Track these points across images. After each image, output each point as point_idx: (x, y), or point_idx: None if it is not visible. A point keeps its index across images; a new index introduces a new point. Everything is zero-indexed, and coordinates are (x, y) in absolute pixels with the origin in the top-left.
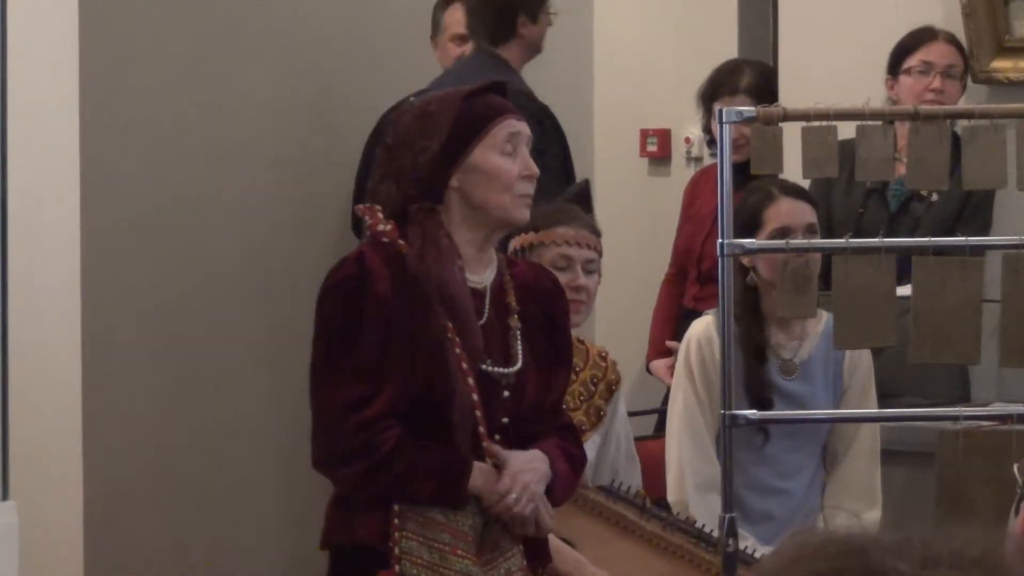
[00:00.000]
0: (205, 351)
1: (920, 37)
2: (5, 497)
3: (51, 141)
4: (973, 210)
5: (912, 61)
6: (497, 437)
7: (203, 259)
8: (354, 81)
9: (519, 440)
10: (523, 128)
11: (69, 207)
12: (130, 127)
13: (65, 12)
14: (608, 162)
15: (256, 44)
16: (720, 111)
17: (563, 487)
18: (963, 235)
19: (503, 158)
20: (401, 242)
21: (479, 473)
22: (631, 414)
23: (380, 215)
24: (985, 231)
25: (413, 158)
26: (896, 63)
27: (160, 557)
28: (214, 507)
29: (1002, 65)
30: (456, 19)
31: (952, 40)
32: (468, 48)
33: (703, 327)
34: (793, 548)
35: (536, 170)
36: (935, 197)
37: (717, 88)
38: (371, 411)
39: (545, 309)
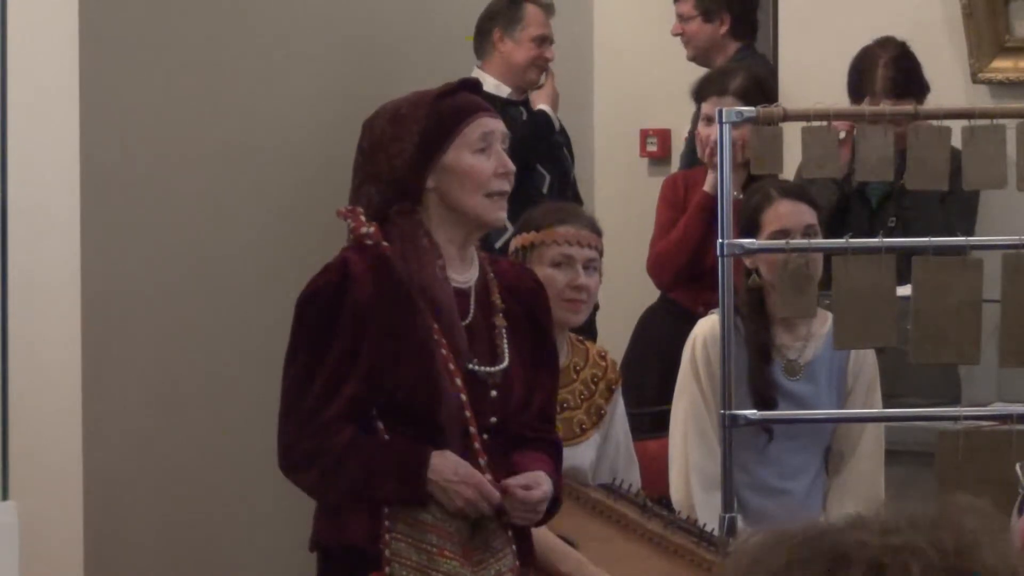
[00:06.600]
0: (205, 351)
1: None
2: (5, 497)
3: (51, 140)
4: (955, 193)
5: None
6: (485, 436)
7: (203, 259)
8: (358, 80)
9: (506, 441)
10: (497, 126)
11: (69, 207)
12: (130, 127)
13: (65, 12)
14: (608, 162)
15: (256, 43)
16: (720, 111)
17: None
18: (950, 220)
19: (475, 156)
20: (385, 244)
21: (441, 461)
22: (631, 414)
23: (362, 217)
24: (972, 214)
25: (389, 161)
26: None
27: (160, 557)
28: (214, 507)
29: (1002, 65)
30: (538, 19)
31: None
32: (548, 51)
33: (709, 326)
34: (750, 551)
35: (511, 166)
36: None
37: (706, 86)
38: (327, 414)
39: (529, 309)
